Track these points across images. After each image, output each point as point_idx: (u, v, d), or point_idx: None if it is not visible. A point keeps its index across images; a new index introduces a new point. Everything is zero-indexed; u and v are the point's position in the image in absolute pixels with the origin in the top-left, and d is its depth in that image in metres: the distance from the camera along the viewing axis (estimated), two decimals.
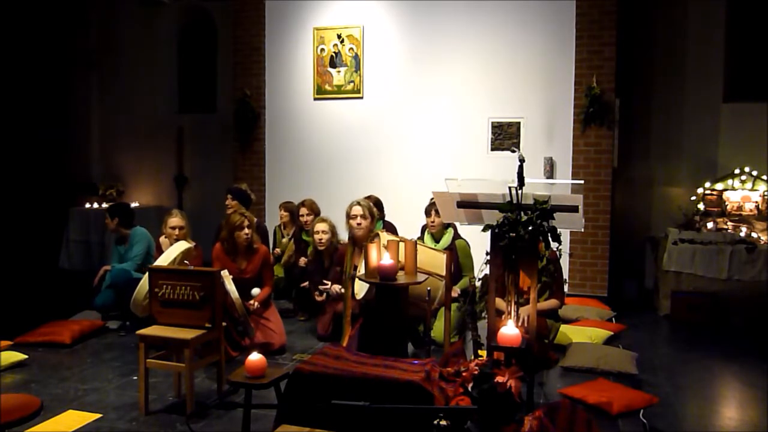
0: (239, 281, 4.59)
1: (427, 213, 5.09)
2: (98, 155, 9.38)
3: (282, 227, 6.45)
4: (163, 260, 4.39)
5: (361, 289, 4.40)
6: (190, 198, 8.89)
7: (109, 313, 5.43)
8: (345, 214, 4.99)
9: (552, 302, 4.50)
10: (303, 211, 5.93)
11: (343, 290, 4.92)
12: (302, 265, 5.78)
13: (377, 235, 4.53)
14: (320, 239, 5.24)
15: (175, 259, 4.39)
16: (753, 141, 6.67)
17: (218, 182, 8.13)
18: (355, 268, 4.66)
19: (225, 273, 4.46)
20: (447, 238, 5.09)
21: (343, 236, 5.13)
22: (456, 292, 4.83)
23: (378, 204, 6.00)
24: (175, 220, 5.06)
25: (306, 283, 5.61)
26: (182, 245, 4.58)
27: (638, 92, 7.15)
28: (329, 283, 5.15)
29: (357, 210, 4.77)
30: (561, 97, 6.52)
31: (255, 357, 3.08)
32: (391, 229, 5.84)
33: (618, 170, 6.79)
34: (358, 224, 4.75)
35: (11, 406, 3.53)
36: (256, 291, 4.75)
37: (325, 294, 5.14)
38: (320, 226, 5.27)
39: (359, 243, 4.72)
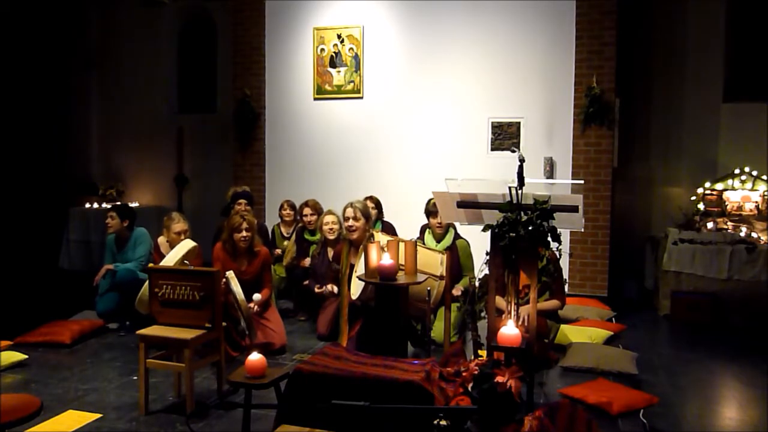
0: (239, 282, 4.58)
1: (433, 214, 5.07)
2: (98, 155, 9.38)
3: (280, 226, 6.44)
4: (170, 259, 4.41)
5: (357, 289, 4.40)
6: (190, 198, 8.89)
7: (111, 318, 5.42)
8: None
9: (553, 303, 4.49)
10: (306, 211, 5.95)
11: (336, 290, 4.93)
12: (305, 266, 5.79)
13: (372, 235, 4.53)
14: (330, 229, 5.33)
15: (181, 258, 4.41)
16: (753, 141, 6.67)
17: (218, 182, 8.13)
18: (351, 267, 4.66)
19: (231, 274, 4.47)
20: (448, 239, 5.09)
21: None
22: (458, 290, 4.84)
23: (377, 204, 6.02)
24: (179, 225, 5.04)
25: (308, 282, 5.63)
26: (188, 244, 4.60)
27: (638, 92, 7.15)
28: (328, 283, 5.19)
29: (348, 212, 4.77)
30: (561, 97, 6.52)
31: (255, 357, 3.08)
32: (389, 229, 5.85)
33: (618, 170, 6.79)
34: (350, 226, 4.75)
35: (11, 406, 3.53)
36: (257, 297, 4.76)
37: (324, 289, 5.19)
38: (329, 218, 5.39)
39: (355, 243, 4.73)
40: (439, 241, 5.09)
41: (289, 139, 7.48)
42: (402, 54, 7.04)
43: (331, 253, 5.35)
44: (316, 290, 5.26)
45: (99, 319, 5.42)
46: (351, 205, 4.80)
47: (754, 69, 6.91)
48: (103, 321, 5.40)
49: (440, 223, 5.06)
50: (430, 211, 5.08)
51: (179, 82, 9.12)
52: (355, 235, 4.73)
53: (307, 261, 5.80)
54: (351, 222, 4.74)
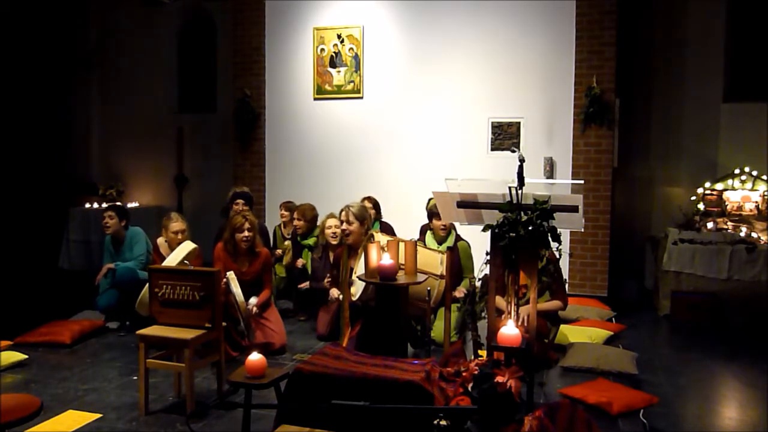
0: (239, 282, 4.58)
1: (437, 216, 5.05)
2: (98, 155, 9.38)
3: (282, 227, 6.45)
4: (171, 261, 4.41)
5: (357, 290, 4.40)
6: (190, 198, 8.89)
7: (112, 314, 5.43)
8: None
9: (555, 303, 4.48)
10: (296, 214, 5.93)
11: (341, 295, 4.92)
12: (299, 266, 5.80)
13: (371, 236, 4.53)
14: (333, 233, 5.28)
15: (182, 259, 4.41)
16: (753, 141, 6.68)
17: (218, 182, 8.14)
18: (351, 270, 4.65)
19: (231, 275, 4.47)
20: (449, 241, 5.10)
21: None
22: (461, 292, 4.82)
23: (375, 205, 6.00)
24: (176, 224, 5.05)
25: (306, 284, 5.64)
26: (188, 246, 4.60)
27: (638, 92, 7.16)
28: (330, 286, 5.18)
29: (342, 216, 4.73)
30: (561, 97, 6.52)
31: (255, 357, 3.08)
32: (387, 229, 5.84)
33: (618, 170, 6.79)
34: (343, 230, 4.73)
35: (11, 406, 3.53)
36: (254, 300, 4.75)
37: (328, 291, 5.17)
38: (332, 222, 5.34)
39: (353, 246, 4.71)
40: (440, 243, 5.09)
41: (289, 139, 7.48)
42: (402, 54, 7.03)
43: (332, 257, 5.33)
44: (326, 283, 5.20)
45: (99, 315, 5.44)
46: (346, 208, 4.78)
47: (754, 69, 6.91)
48: (104, 317, 5.42)
49: (444, 226, 5.05)
50: (434, 212, 5.05)
51: (179, 82, 9.13)
52: (349, 239, 4.70)
53: (300, 262, 5.81)
54: (344, 226, 4.72)
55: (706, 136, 6.96)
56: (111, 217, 5.44)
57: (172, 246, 4.90)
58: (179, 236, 5.00)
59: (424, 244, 5.00)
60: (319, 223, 5.96)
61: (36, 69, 8.53)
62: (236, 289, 4.43)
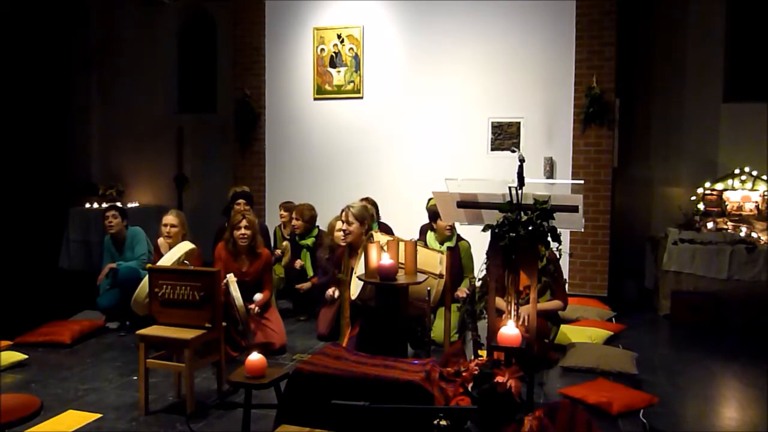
0: (239, 283, 4.58)
1: (441, 217, 5.03)
2: (98, 155, 9.38)
3: (282, 227, 6.46)
4: (167, 260, 4.41)
5: (356, 289, 4.40)
6: (190, 198, 8.89)
7: (113, 314, 5.43)
8: None
9: (555, 303, 4.48)
10: (294, 214, 5.94)
11: (337, 294, 4.92)
12: (297, 267, 5.80)
13: (371, 236, 4.53)
14: (342, 235, 5.26)
15: (179, 258, 4.41)
16: (753, 141, 6.67)
17: (218, 182, 8.14)
18: (351, 270, 4.66)
19: (231, 278, 4.47)
20: (452, 240, 5.09)
21: None
22: (464, 291, 4.83)
23: (373, 206, 6.00)
24: (168, 218, 5.06)
25: (308, 284, 5.64)
26: (186, 245, 4.60)
27: (638, 92, 7.15)
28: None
29: (343, 216, 4.73)
30: (561, 97, 6.52)
31: (255, 357, 3.08)
32: (385, 230, 5.83)
33: (618, 170, 6.79)
34: (344, 230, 4.73)
35: (11, 406, 3.53)
36: (258, 297, 4.77)
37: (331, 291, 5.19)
38: (341, 224, 5.29)
39: (353, 246, 4.71)
40: (442, 243, 5.08)
41: (289, 139, 7.48)
42: (402, 54, 7.03)
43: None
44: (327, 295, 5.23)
45: (99, 315, 5.44)
46: (346, 208, 4.77)
47: (754, 69, 6.90)
48: (104, 317, 5.42)
49: (450, 226, 5.04)
50: (438, 212, 5.05)
51: (179, 82, 9.12)
52: (349, 239, 4.70)
53: (299, 263, 5.82)
54: (344, 226, 4.73)
55: (706, 136, 6.96)
56: (115, 216, 5.45)
57: (165, 239, 4.94)
58: (167, 229, 5.00)
59: (425, 244, 5.00)
60: (319, 223, 5.97)
61: (36, 69, 8.52)
62: (235, 292, 4.43)
